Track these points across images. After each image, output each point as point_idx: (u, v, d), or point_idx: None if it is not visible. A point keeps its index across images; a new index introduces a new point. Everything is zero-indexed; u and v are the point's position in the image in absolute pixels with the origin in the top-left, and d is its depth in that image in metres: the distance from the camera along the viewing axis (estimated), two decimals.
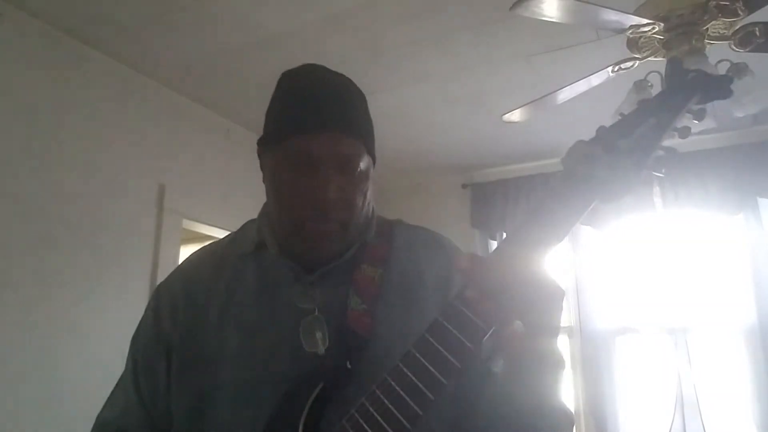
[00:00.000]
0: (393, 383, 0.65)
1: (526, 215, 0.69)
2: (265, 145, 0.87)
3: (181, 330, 0.87)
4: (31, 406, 1.97)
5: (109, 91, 2.42)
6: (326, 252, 0.84)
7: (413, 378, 0.64)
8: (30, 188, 2.08)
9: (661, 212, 3.03)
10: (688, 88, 0.72)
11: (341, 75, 0.89)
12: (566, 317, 3.28)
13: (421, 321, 0.78)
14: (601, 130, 0.71)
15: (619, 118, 0.73)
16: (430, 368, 0.63)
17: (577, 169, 0.69)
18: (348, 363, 0.77)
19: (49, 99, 2.18)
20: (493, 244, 3.59)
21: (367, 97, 0.91)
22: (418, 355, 0.65)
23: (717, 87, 0.72)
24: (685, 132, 0.72)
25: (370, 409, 0.65)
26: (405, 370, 0.65)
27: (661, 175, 0.70)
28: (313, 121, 0.80)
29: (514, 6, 1.53)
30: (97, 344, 2.20)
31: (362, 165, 0.83)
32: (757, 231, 2.92)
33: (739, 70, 1.79)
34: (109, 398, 0.94)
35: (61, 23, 2.18)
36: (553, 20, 1.64)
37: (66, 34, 2.24)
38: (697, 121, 0.72)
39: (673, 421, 2.88)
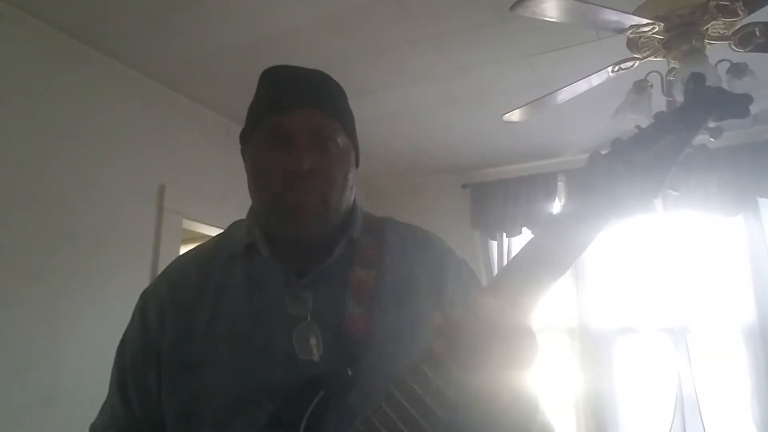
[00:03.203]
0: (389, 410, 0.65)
1: (539, 233, 0.67)
2: (244, 137, 0.88)
3: (169, 335, 0.84)
4: (34, 405, 1.97)
5: (109, 91, 2.42)
6: (306, 226, 0.81)
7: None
8: (29, 188, 2.08)
9: (661, 213, 3.03)
10: (708, 105, 0.71)
11: (319, 70, 0.90)
12: (566, 317, 3.28)
13: (416, 323, 0.79)
14: (618, 143, 0.70)
15: (636, 131, 0.71)
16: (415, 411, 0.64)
17: (597, 185, 0.67)
18: (349, 370, 0.75)
19: (48, 99, 2.18)
20: (493, 244, 3.58)
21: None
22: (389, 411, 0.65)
23: (736, 105, 0.71)
24: (716, 133, 0.70)
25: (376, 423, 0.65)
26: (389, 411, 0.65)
27: (676, 194, 0.69)
28: (286, 99, 0.82)
29: (514, 6, 1.53)
30: (98, 343, 2.19)
31: (339, 142, 0.83)
32: (757, 231, 2.92)
33: (739, 70, 1.79)
34: (99, 412, 0.93)
35: (61, 23, 2.18)
36: (553, 20, 1.64)
37: (66, 34, 2.24)
38: (713, 140, 0.70)
39: (673, 421, 2.88)
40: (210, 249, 0.93)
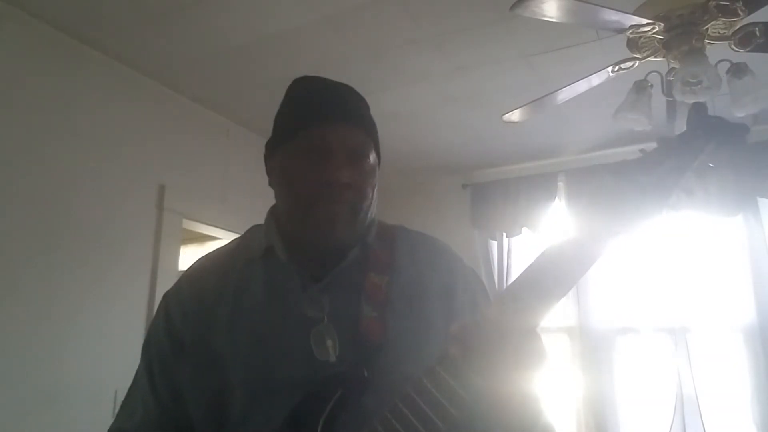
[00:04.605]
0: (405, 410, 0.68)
1: (549, 246, 0.72)
2: (275, 144, 0.91)
3: (192, 333, 0.87)
4: (34, 404, 1.97)
5: (109, 91, 2.42)
6: (336, 236, 0.85)
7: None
8: (30, 188, 2.08)
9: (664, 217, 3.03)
10: (709, 132, 0.76)
11: (347, 84, 0.94)
12: (566, 317, 3.28)
13: (427, 328, 0.83)
14: (624, 164, 0.74)
15: (641, 155, 0.76)
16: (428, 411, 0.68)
17: (604, 203, 0.72)
18: (365, 372, 0.78)
19: (48, 99, 2.18)
20: (493, 244, 3.58)
21: (368, 98, 0.94)
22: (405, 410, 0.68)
23: (734, 134, 0.76)
24: (716, 157, 0.78)
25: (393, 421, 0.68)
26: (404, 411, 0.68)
27: (678, 214, 0.74)
28: (328, 113, 0.86)
29: (514, 6, 1.53)
30: (98, 344, 2.20)
31: (371, 159, 0.88)
32: (757, 231, 2.92)
33: (739, 70, 1.79)
34: (121, 410, 0.93)
35: (61, 23, 2.18)
36: (553, 20, 1.64)
37: (66, 34, 2.24)
38: (712, 165, 0.76)
39: (673, 420, 2.88)
40: (229, 252, 0.97)
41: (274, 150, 0.91)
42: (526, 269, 0.72)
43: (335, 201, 0.83)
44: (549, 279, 0.70)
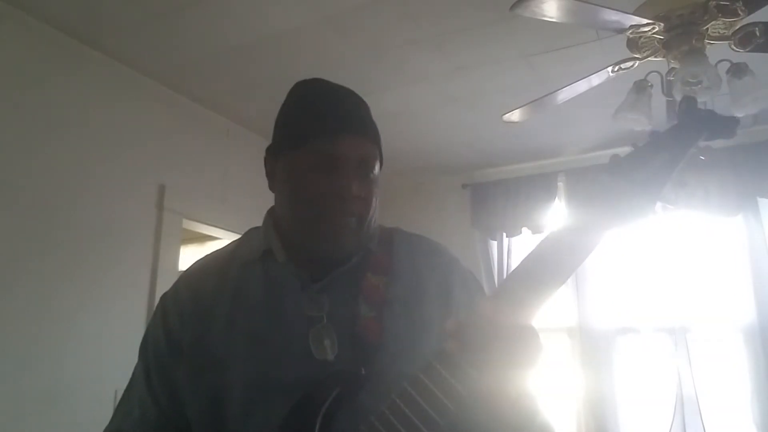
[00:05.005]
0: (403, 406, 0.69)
1: (544, 240, 0.73)
2: (279, 150, 0.90)
3: (190, 335, 0.88)
4: (34, 404, 1.97)
5: (109, 91, 2.42)
6: (342, 247, 0.85)
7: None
8: (30, 188, 2.08)
9: (659, 217, 3.03)
10: (699, 125, 0.77)
11: (349, 89, 0.93)
12: (566, 317, 3.28)
13: (425, 328, 0.84)
14: (616, 159, 0.75)
15: (632, 149, 0.77)
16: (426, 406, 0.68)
17: (598, 197, 0.73)
18: (362, 369, 0.79)
19: (48, 99, 2.18)
20: (493, 244, 3.58)
21: (368, 98, 0.94)
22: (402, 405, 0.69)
23: (724, 126, 0.77)
24: (706, 151, 0.79)
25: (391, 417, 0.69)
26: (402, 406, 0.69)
27: (672, 208, 0.75)
28: (336, 124, 0.85)
29: (514, 6, 1.53)
30: (98, 344, 2.20)
31: (376, 169, 0.88)
32: (757, 231, 2.92)
33: (739, 70, 1.79)
34: (117, 411, 0.93)
35: (61, 23, 2.18)
36: (553, 20, 1.64)
37: (66, 34, 2.24)
38: (702, 158, 0.77)
39: (673, 420, 2.88)
40: (227, 254, 0.97)
41: (277, 155, 0.90)
42: (520, 263, 0.72)
43: (344, 214, 0.84)
44: (543, 271, 0.71)
